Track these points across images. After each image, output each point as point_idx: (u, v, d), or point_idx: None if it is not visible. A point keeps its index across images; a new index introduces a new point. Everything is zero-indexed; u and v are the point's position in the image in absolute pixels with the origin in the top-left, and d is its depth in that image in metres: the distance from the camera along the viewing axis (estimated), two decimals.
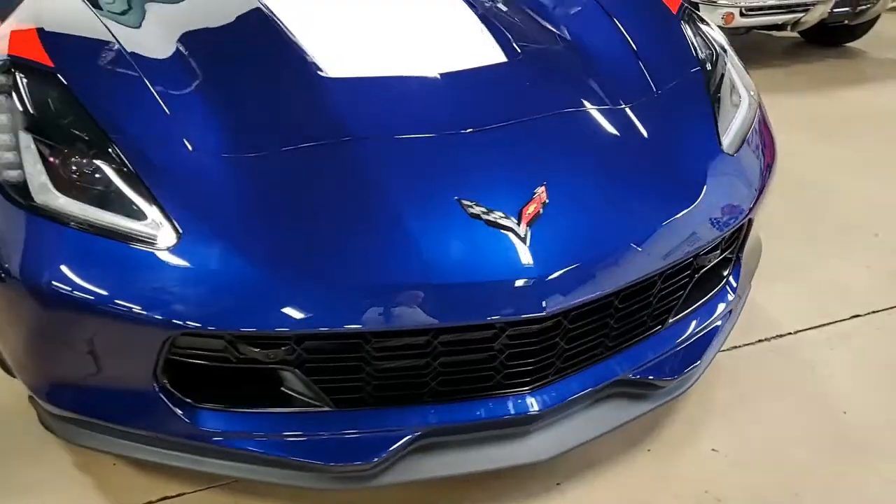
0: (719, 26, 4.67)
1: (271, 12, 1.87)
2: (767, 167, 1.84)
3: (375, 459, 1.41)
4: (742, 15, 4.68)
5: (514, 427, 1.49)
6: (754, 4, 4.67)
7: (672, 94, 1.82)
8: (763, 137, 1.90)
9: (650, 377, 1.60)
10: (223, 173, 1.44)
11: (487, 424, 1.47)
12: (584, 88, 1.79)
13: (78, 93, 1.50)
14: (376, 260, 1.35)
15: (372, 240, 1.38)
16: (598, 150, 1.62)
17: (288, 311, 1.30)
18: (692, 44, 1.96)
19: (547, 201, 1.45)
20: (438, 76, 1.71)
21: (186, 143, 1.48)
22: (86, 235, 1.35)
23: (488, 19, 1.97)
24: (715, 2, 4.63)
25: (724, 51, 2.04)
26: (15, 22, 1.74)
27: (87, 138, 1.44)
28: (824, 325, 2.24)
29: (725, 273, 1.82)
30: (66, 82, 1.52)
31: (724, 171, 1.69)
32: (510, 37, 1.91)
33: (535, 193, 1.46)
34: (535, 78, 1.79)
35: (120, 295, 1.31)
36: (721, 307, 1.78)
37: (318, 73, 1.67)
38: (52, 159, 1.42)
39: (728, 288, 1.81)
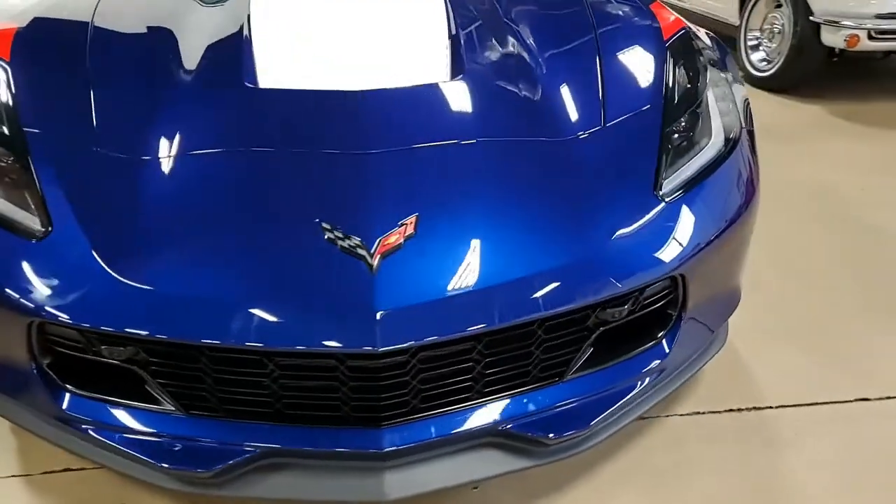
0: (842, 50, 4.25)
1: (248, 24, 1.91)
2: (726, 222, 1.63)
3: (214, 469, 1.42)
4: (871, 38, 4.16)
5: (363, 461, 1.44)
6: (887, 27, 4.14)
7: (617, 129, 1.66)
8: (733, 188, 1.69)
9: (529, 433, 1.48)
10: (112, 175, 1.51)
11: (335, 454, 1.44)
12: (518, 116, 1.69)
13: (17, 88, 1.64)
14: (215, 272, 1.36)
15: (220, 252, 1.38)
16: (499, 184, 1.52)
17: (125, 313, 1.34)
18: (667, 76, 1.78)
19: (413, 233, 1.39)
20: (367, 91, 1.68)
21: (95, 143, 1.56)
22: None
23: (459, 38, 1.90)
24: (837, 22, 4.15)
25: (719, 86, 1.84)
26: (7, 20, 1.92)
27: (5, 130, 1.57)
28: (819, 403, 1.96)
29: (660, 333, 1.64)
30: (10, 77, 1.66)
31: (649, 219, 1.52)
32: (470, 57, 1.84)
33: (401, 224, 1.40)
34: (469, 102, 1.70)
35: None
36: (646, 368, 1.61)
37: (246, 83, 1.70)
38: None
39: (660, 348, 1.63)
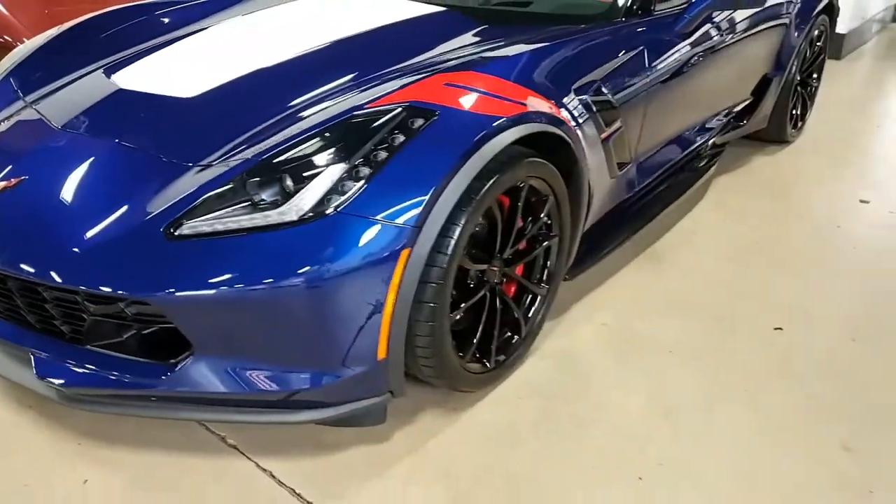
0: None
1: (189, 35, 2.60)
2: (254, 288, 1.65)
3: None
4: None
5: None
6: None
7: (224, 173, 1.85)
8: (273, 260, 1.68)
9: (32, 361, 1.87)
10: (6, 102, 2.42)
11: None
12: (184, 134, 2.03)
13: (45, 49, 2.69)
14: None
15: None
16: (95, 177, 1.94)
17: None
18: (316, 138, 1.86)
19: (9, 188, 1.94)
20: (131, 91, 2.25)
21: (19, 84, 2.48)
22: None
23: (286, 68, 2.30)
24: None
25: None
26: None
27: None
28: None
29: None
30: (53, 41, 2.73)
31: (138, 246, 1.74)
32: (249, 83, 2.22)
33: (9, 179, 1.97)
34: (166, 116, 2.11)
35: None
36: (134, 378, 1.80)
37: (102, 73, 2.40)
38: None
39: (149, 367, 1.81)
